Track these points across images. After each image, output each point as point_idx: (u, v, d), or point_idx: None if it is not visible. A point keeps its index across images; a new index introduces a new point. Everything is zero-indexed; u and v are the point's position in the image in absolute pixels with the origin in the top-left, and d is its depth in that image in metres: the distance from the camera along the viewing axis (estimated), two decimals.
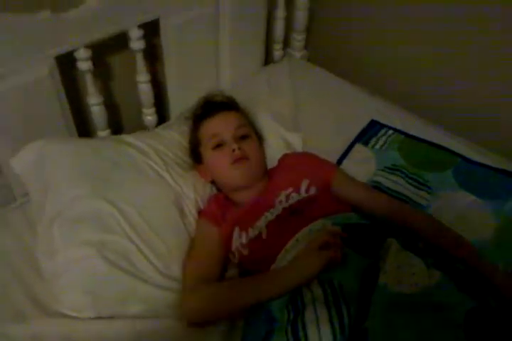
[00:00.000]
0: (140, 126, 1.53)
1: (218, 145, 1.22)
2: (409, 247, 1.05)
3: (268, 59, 1.81)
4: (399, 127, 1.50)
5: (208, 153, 1.24)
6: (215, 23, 1.49)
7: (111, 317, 1.07)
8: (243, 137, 1.23)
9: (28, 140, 1.22)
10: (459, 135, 1.50)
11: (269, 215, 1.14)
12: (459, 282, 0.96)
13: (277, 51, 1.79)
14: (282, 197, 1.17)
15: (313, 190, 1.18)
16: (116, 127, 1.54)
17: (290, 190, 1.18)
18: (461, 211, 1.27)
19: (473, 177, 1.35)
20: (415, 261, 0.99)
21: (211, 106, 1.28)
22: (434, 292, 0.93)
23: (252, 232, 1.14)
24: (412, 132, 1.47)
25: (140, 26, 1.31)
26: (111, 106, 1.50)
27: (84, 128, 1.45)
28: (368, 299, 0.94)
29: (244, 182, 1.21)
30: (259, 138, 1.32)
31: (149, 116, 1.51)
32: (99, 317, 1.06)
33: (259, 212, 1.16)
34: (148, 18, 1.32)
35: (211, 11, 1.45)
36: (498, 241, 1.21)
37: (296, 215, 1.13)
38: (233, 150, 1.18)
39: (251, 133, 1.27)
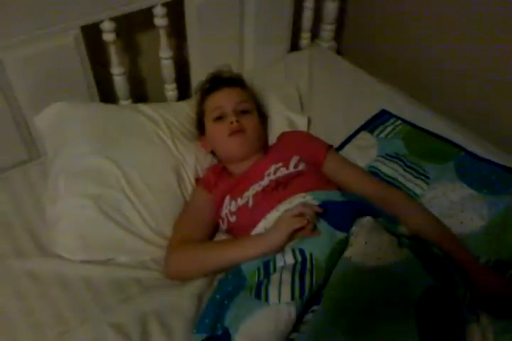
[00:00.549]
0: (163, 101, 1.61)
1: (219, 118, 1.29)
2: (388, 228, 1.08)
3: (296, 48, 1.85)
4: (409, 118, 1.50)
5: (209, 125, 1.31)
6: (241, 4, 1.53)
7: (100, 263, 1.17)
8: (244, 112, 1.30)
9: (53, 102, 1.34)
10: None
11: (257, 186, 1.21)
12: (427, 262, 0.99)
13: (305, 40, 1.82)
14: (271, 170, 1.23)
15: (301, 166, 1.23)
16: (141, 100, 1.64)
17: (280, 164, 1.24)
18: (456, 202, 1.27)
19: (475, 171, 1.34)
20: (386, 238, 1.02)
21: (218, 81, 1.35)
22: (397, 267, 0.97)
23: (241, 201, 1.21)
24: (421, 124, 1.48)
25: (164, 4, 1.39)
26: (137, 80, 1.61)
27: (109, 97, 1.56)
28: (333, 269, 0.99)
29: (239, 153, 1.27)
30: (262, 116, 1.38)
31: (171, 91, 1.59)
32: (90, 262, 1.17)
33: (249, 182, 1.23)
34: None
35: None
36: (487, 235, 1.20)
37: (281, 188, 1.18)
38: (231, 123, 1.25)
39: (252, 109, 1.33)
